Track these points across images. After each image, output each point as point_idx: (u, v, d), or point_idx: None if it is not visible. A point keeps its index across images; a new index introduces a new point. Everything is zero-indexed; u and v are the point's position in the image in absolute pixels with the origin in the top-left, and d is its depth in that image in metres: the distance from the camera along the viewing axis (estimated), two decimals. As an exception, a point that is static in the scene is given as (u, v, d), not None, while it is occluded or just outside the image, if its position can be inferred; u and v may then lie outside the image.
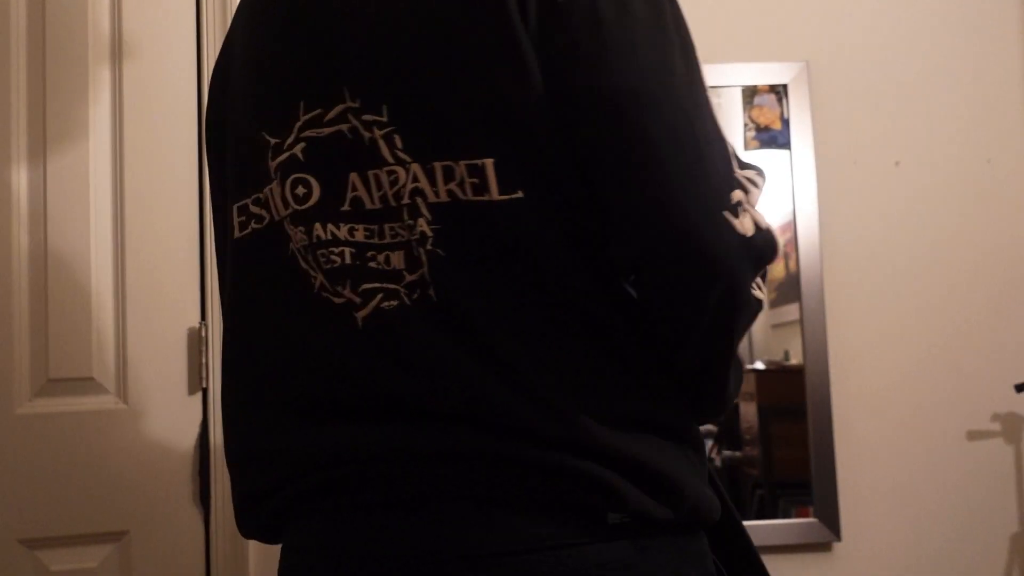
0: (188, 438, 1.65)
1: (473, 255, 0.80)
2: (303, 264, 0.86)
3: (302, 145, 0.85)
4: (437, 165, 0.79)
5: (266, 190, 0.89)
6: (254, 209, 0.91)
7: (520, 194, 0.78)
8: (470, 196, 0.79)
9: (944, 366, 2.05)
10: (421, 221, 0.80)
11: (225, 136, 0.97)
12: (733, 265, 0.79)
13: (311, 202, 0.85)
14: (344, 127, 0.83)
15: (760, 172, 0.88)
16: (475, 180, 0.78)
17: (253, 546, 1.65)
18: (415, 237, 0.80)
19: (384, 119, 0.81)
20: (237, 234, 0.93)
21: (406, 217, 0.80)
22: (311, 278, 0.86)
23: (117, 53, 1.66)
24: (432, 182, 0.79)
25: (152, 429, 1.63)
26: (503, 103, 0.79)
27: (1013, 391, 1.94)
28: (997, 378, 2.03)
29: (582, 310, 0.81)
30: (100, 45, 1.66)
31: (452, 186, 0.79)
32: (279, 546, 0.93)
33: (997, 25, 2.14)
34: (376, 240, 0.82)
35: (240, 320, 0.95)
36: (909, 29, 2.11)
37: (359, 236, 0.83)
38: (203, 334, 1.66)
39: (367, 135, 0.81)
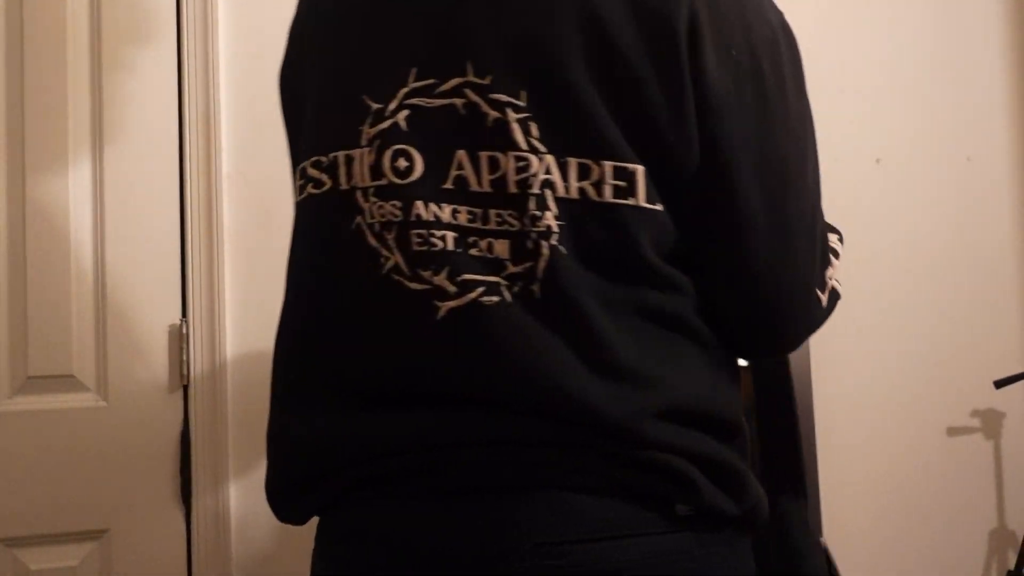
0: (169, 436, 1.64)
1: (592, 255, 0.79)
2: (372, 241, 0.82)
3: (406, 112, 0.81)
4: (572, 161, 0.78)
5: (336, 155, 0.84)
6: (312, 172, 0.86)
7: (660, 207, 0.80)
8: (607, 198, 0.78)
9: (924, 363, 2.06)
10: (548, 215, 0.78)
11: (304, 96, 0.92)
12: (804, 335, 0.91)
13: (413, 176, 0.81)
14: (458, 101, 0.80)
15: (841, 237, 0.96)
16: (621, 183, 0.78)
17: (235, 543, 1.64)
18: (539, 229, 0.78)
19: (522, 104, 0.79)
20: (296, 198, 0.89)
21: (532, 207, 0.78)
22: (380, 258, 0.81)
23: (96, 45, 1.65)
24: (564, 177, 0.78)
25: (133, 427, 1.62)
26: (654, 121, 0.79)
27: (992, 387, 1.95)
28: (977, 374, 2.05)
29: (675, 315, 0.82)
30: (79, 41, 1.65)
31: (585, 184, 0.78)
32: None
33: (978, 24, 2.15)
34: (479, 225, 0.79)
35: (294, 296, 0.90)
36: (891, 27, 2.11)
37: (462, 219, 0.80)
38: (184, 331, 1.65)
39: (493, 115, 0.79)
